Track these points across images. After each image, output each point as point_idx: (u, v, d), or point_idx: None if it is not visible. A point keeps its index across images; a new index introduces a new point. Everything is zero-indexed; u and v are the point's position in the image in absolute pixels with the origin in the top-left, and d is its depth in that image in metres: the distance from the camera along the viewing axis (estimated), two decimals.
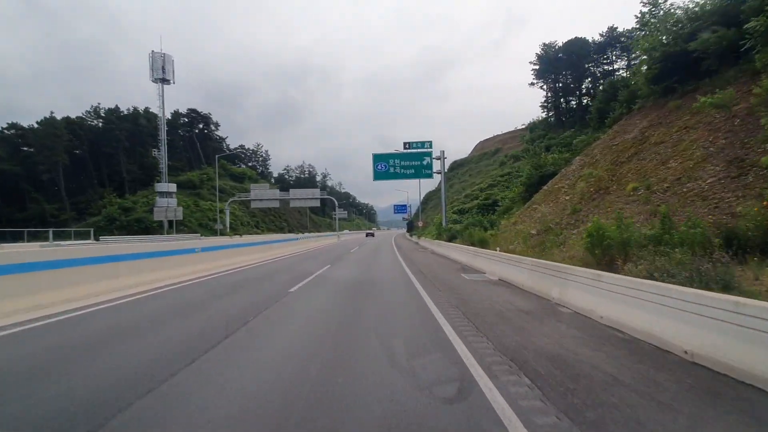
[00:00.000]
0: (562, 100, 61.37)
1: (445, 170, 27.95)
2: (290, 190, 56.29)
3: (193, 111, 78.69)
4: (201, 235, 39.33)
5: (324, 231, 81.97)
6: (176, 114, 75.99)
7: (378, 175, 27.93)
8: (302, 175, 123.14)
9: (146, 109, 63.72)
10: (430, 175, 27.87)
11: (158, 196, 40.07)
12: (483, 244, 13.34)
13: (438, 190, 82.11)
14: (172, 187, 41.62)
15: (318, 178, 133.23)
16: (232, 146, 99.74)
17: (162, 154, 41.20)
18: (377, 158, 28.03)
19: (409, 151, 27.99)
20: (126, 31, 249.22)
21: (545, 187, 19.77)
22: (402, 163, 27.80)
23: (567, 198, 15.20)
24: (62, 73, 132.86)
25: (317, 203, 52.99)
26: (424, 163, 27.65)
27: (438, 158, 27.52)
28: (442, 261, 15.92)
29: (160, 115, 42.70)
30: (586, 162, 17.84)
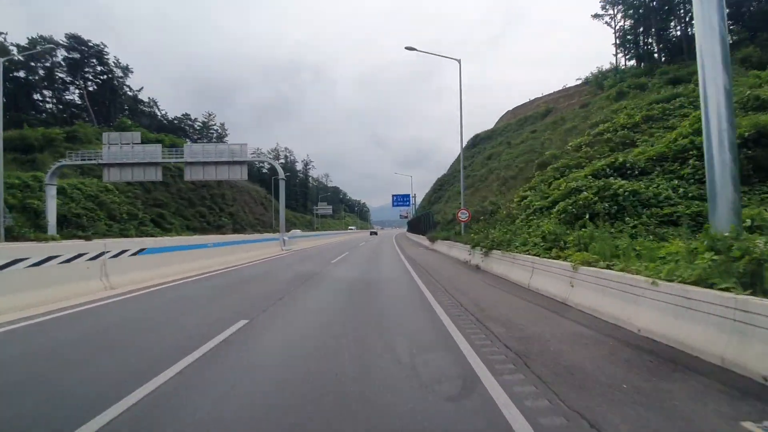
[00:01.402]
0: (641, 32, 40.89)
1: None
2: (185, 146, 29.41)
3: (74, 38, 47.40)
4: None
5: (311, 230, 57.90)
6: (40, 41, 43.62)
7: None
8: (278, 161, 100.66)
9: None
10: None
11: None
12: None
13: (456, 172, 57.29)
14: None
15: (299, 167, 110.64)
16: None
17: None
18: None
19: None
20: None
21: None
22: None
23: None
24: None
25: (239, 174, 27.02)
26: None
27: None
28: None
29: None
30: None
